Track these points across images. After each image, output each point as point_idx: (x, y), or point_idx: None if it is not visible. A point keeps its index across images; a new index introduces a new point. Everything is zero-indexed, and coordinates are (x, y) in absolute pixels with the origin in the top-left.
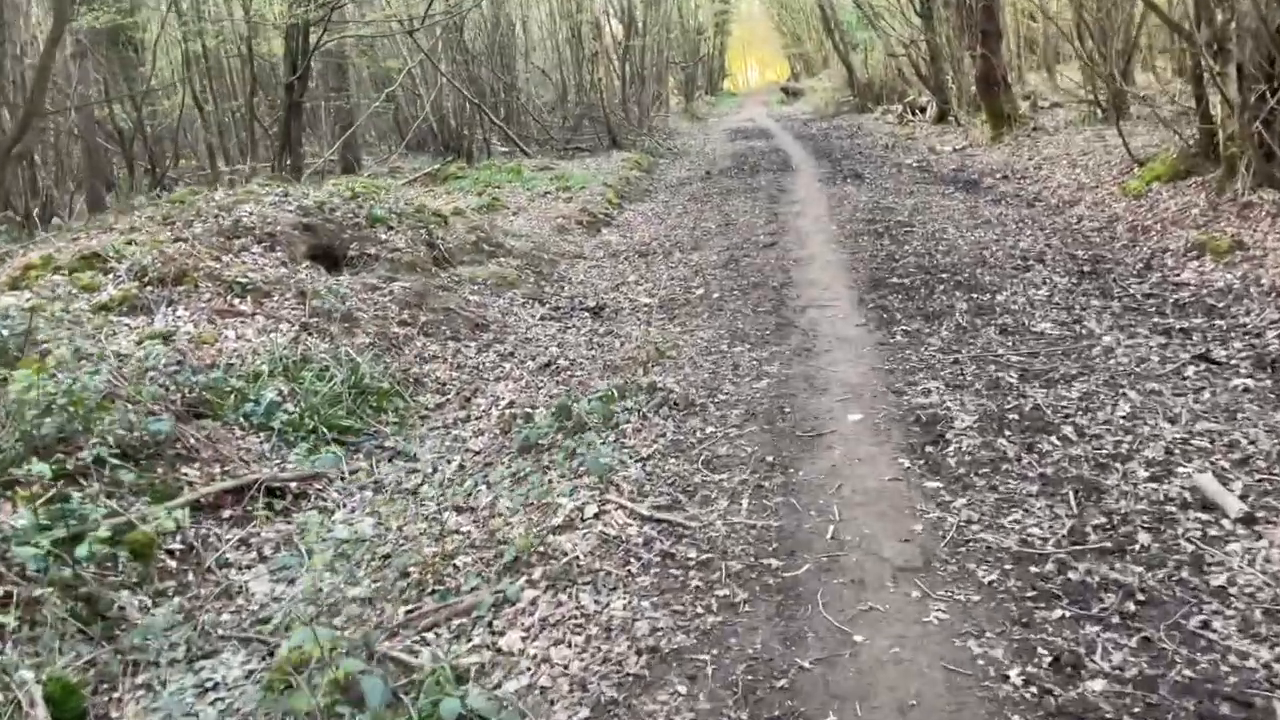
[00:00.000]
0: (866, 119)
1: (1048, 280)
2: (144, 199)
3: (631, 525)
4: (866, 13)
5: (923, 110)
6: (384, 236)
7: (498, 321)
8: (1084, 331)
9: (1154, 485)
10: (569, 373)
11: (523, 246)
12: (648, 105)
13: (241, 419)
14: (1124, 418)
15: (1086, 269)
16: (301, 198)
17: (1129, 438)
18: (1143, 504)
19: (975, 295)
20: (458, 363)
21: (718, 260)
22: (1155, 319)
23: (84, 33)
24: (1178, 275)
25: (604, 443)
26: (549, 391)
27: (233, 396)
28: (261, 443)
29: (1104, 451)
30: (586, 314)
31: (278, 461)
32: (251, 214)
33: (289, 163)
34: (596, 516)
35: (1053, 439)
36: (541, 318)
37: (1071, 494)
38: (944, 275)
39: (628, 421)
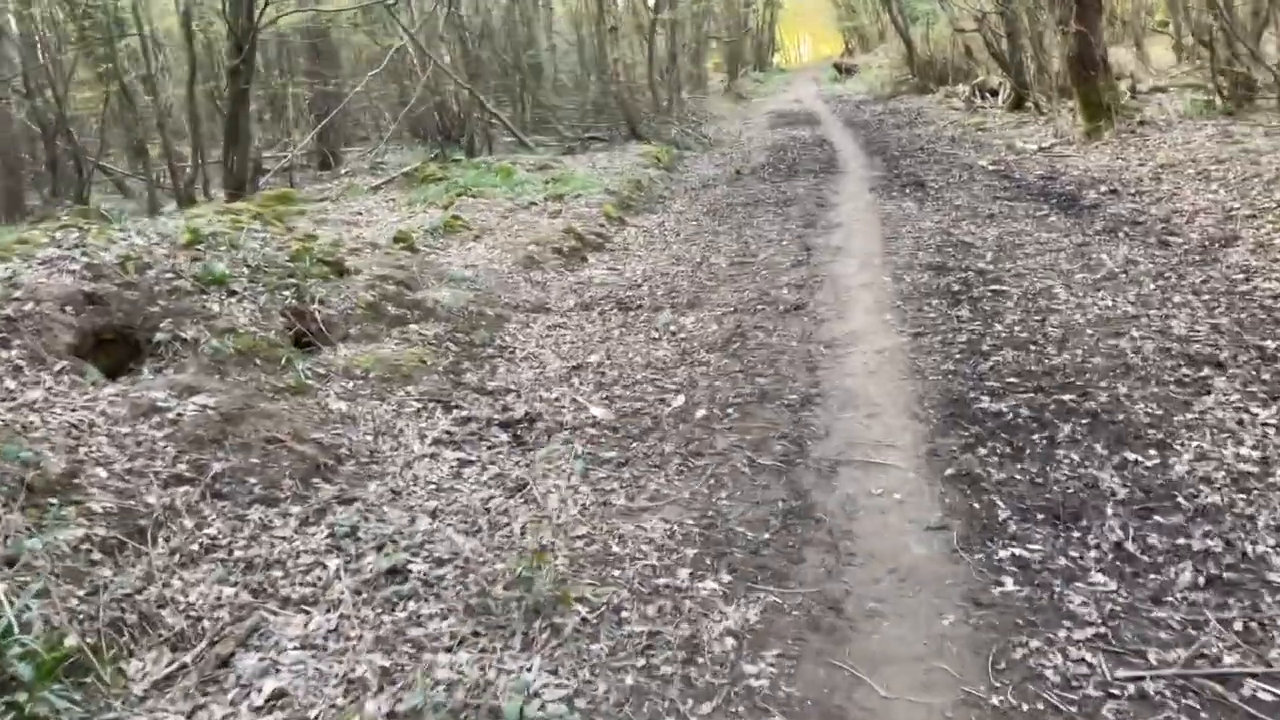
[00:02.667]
0: (927, 102)
1: (1245, 417)
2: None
3: None
4: None
5: (994, 94)
6: (217, 308)
7: (361, 453)
8: None
9: None
10: (414, 603)
11: (457, 300)
12: (679, 87)
13: None
14: None
15: None
16: (100, 250)
17: None
18: None
19: (1129, 454)
20: (248, 560)
21: (718, 333)
22: None
23: None
24: None
25: None
26: (355, 659)
27: None
28: None
29: None
30: (506, 435)
31: None
32: None
33: (235, 161)
34: None
35: None
36: (435, 441)
37: None
38: (1067, 397)
39: None
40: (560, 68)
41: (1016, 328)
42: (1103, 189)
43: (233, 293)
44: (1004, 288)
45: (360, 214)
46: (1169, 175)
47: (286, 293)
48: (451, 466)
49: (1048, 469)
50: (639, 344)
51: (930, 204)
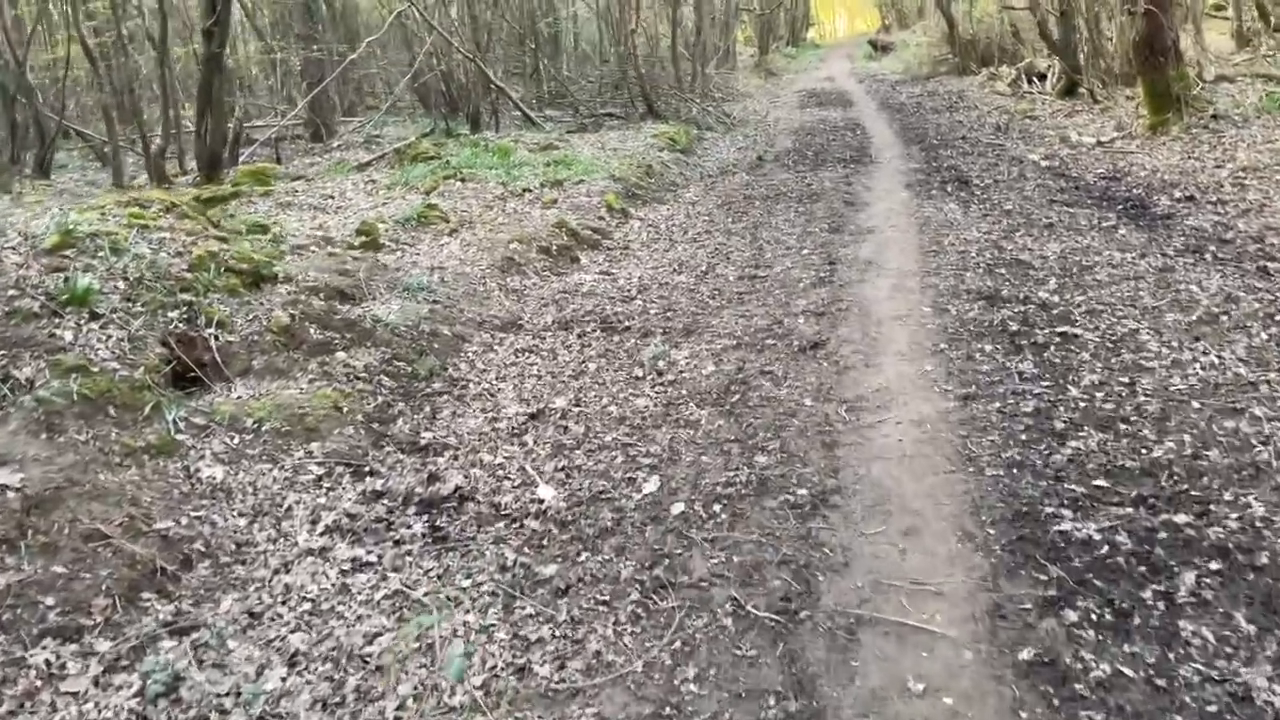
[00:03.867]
0: (968, 84)
1: None
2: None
3: None
4: None
5: (1041, 78)
6: (70, 336)
7: (225, 548)
8: None
9: None
10: None
11: (406, 317)
12: (704, 61)
13: None
14: None
15: None
16: None
17: None
18: None
19: None
20: None
21: (714, 377)
22: None
23: None
24: None
25: None
26: None
27: None
28: None
29: None
30: (422, 524)
31: None
32: None
33: (209, 132)
34: None
35: None
36: (330, 529)
37: None
38: (1181, 519)
39: None
40: (582, 38)
41: (1099, 394)
42: (1176, 194)
43: (96, 315)
44: (1075, 330)
45: (332, 197)
46: (1254, 181)
47: (174, 314)
48: (341, 572)
49: (1171, 657)
50: (618, 385)
51: (976, 207)
